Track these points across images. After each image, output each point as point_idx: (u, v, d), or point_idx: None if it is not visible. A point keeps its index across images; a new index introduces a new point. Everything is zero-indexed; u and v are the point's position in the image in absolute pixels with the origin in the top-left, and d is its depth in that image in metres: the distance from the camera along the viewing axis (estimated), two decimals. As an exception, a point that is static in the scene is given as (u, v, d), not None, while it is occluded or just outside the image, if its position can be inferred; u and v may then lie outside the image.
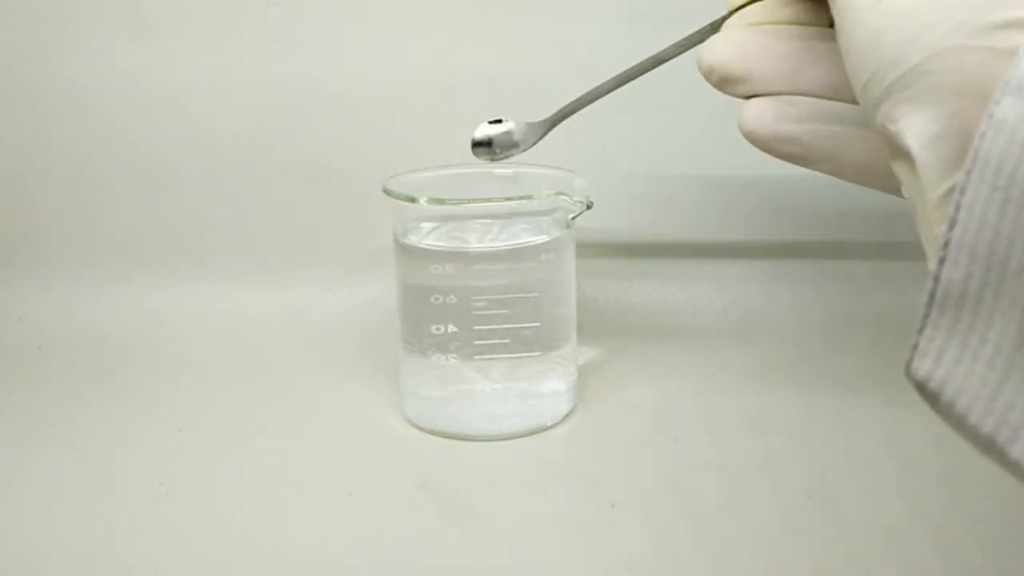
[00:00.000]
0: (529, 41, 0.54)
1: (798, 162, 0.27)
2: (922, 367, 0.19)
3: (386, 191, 0.42)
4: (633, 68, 0.35)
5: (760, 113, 0.27)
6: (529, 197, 0.41)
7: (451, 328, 0.42)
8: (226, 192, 0.56)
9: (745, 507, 0.38)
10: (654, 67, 0.34)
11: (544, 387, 0.44)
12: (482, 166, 0.46)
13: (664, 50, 0.33)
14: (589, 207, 0.42)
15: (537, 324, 0.43)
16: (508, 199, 0.41)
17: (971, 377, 0.18)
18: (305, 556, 0.35)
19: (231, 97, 0.55)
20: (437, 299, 0.42)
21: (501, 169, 0.46)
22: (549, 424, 0.44)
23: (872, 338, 0.53)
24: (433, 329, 0.43)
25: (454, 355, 0.43)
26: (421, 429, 0.44)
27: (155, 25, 0.54)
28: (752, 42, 0.27)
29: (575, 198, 0.42)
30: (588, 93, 0.37)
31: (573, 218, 0.43)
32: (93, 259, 0.57)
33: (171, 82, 0.54)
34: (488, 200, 0.42)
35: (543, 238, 0.43)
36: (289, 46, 0.54)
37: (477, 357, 0.43)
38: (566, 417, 0.45)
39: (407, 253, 0.43)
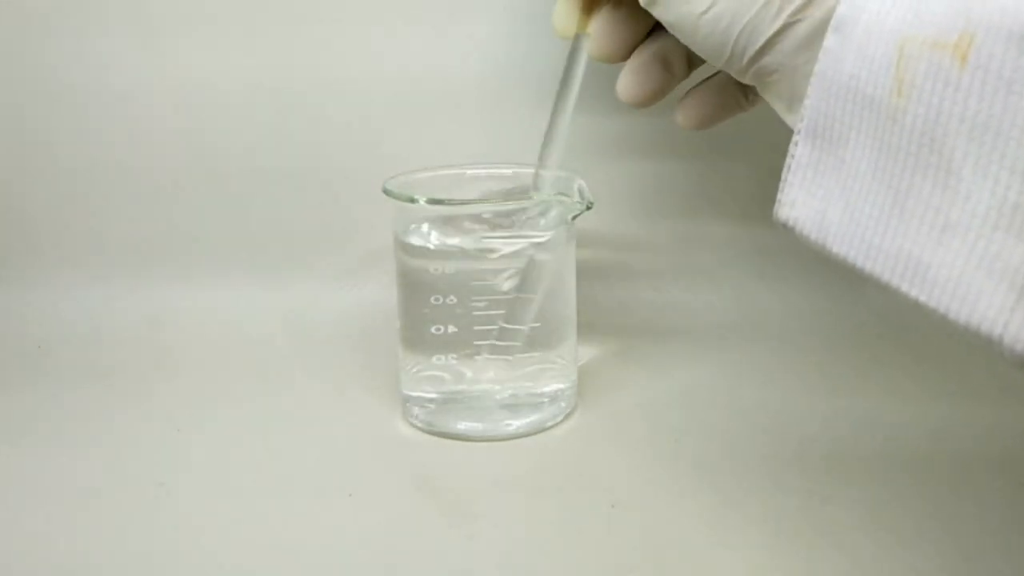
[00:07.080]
0: (530, 42, 0.54)
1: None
2: (782, 212, 0.29)
3: (386, 191, 0.42)
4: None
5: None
6: (529, 197, 0.41)
7: (451, 328, 0.42)
8: (226, 193, 0.56)
9: (745, 507, 0.38)
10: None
11: (544, 387, 0.44)
12: (482, 166, 0.46)
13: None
14: (589, 207, 0.42)
15: (537, 324, 0.43)
16: (508, 199, 0.41)
17: (811, 212, 0.28)
18: (305, 556, 0.35)
19: (231, 97, 0.54)
20: (437, 299, 0.42)
21: (501, 169, 0.46)
22: (549, 424, 0.44)
23: (873, 338, 0.53)
24: (433, 329, 0.43)
25: (454, 355, 0.43)
26: (421, 429, 0.44)
27: (155, 26, 0.54)
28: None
29: (575, 198, 0.42)
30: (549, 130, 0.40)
31: (573, 218, 0.43)
32: (93, 259, 0.57)
33: (171, 83, 0.54)
34: (488, 200, 0.42)
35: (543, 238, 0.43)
36: (289, 46, 0.54)
37: (477, 357, 0.43)
38: (566, 417, 0.45)
39: (407, 253, 0.43)
